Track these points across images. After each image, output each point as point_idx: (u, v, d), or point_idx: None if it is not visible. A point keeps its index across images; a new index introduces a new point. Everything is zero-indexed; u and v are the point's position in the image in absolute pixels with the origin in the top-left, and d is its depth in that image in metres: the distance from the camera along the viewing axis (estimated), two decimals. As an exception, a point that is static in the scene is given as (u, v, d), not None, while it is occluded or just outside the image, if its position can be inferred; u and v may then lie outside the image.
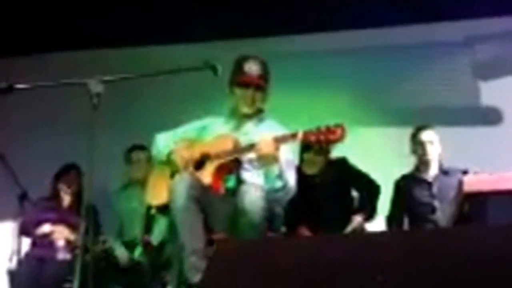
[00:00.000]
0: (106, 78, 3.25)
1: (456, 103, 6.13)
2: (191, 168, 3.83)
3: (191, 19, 6.01)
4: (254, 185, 3.59)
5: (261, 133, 3.84)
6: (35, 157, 6.37)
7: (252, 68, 3.92)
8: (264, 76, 3.96)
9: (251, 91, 3.93)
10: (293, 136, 3.51)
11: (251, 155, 3.71)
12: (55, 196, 5.65)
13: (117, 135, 5.41)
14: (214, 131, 4.00)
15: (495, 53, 6.14)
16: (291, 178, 3.78)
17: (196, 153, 3.88)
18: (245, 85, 3.93)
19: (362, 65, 6.21)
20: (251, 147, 3.64)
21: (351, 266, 2.63)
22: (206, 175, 3.72)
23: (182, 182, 3.57)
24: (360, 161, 5.21)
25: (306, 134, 3.43)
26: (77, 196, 5.54)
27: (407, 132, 5.29)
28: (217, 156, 3.75)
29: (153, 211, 4.07)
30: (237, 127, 4.02)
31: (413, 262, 2.59)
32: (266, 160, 3.58)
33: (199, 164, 3.83)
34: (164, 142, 4.06)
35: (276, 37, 6.37)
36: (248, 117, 4.02)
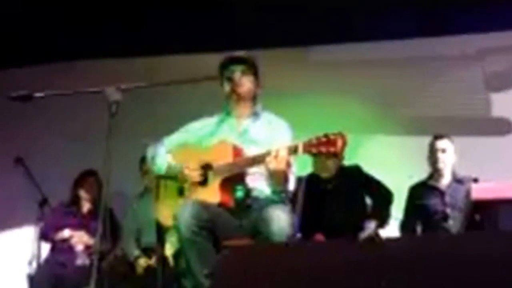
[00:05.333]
0: (124, 86, 3.21)
1: (468, 114, 6.20)
2: (195, 187, 3.71)
3: (210, 29, 6.08)
4: (279, 208, 3.49)
5: (259, 129, 3.82)
6: (54, 163, 6.43)
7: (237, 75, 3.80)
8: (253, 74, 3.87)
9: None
10: (295, 150, 3.38)
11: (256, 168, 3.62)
12: (75, 201, 5.69)
13: (135, 142, 5.48)
14: (211, 133, 3.87)
15: (506, 65, 6.21)
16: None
17: (196, 165, 3.73)
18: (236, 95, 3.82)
19: (377, 76, 6.27)
20: (257, 159, 3.51)
21: (362, 271, 2.71)
22: (213, 193, 3.59)
23: (186, 213, 3.41)
24: (375, 169, 5.28)
25: (306, 146, 3.32)
26: (96, 202, 5.55)
27: (420, 141, 5.44)
28: (221, 169, 3.61)
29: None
30: (234, 126, 3.87)
31: (424, 267, 2.65)
32: (277, 177, 3.52)
33: (203, 177, 3.72)
34: (162, 158, 3.94)
35: (296, 48, 6.50)
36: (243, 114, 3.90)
